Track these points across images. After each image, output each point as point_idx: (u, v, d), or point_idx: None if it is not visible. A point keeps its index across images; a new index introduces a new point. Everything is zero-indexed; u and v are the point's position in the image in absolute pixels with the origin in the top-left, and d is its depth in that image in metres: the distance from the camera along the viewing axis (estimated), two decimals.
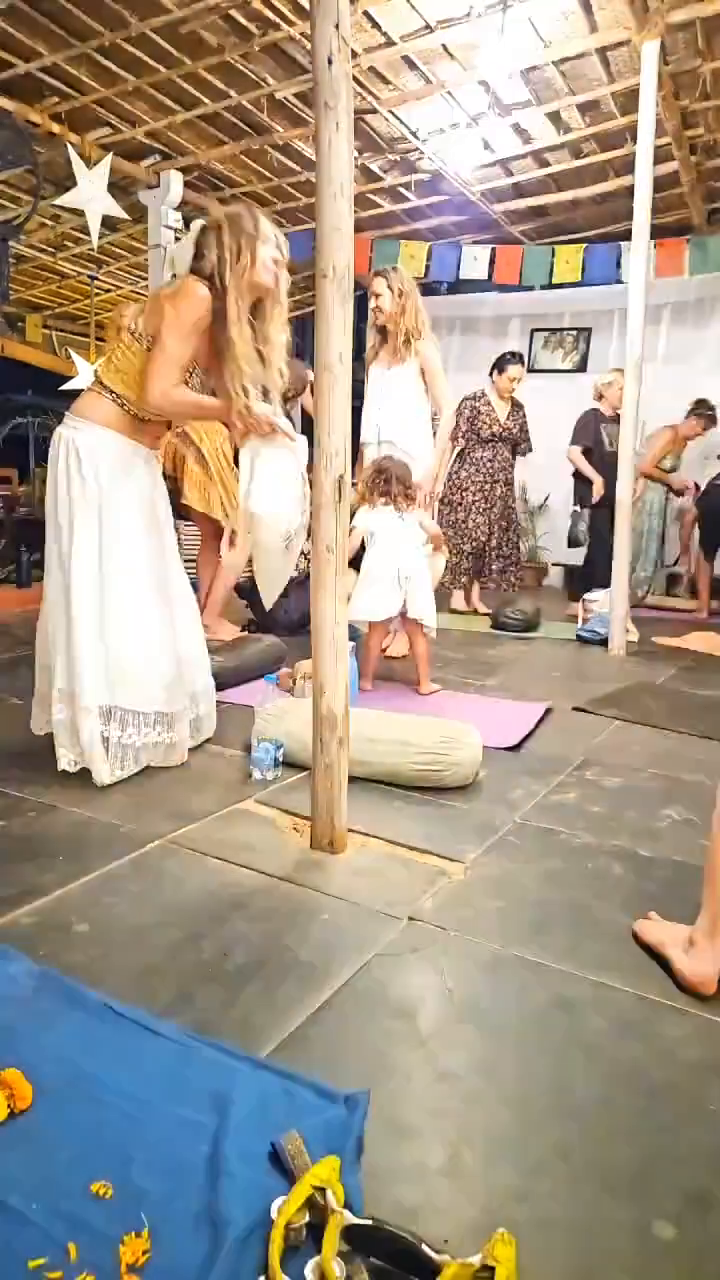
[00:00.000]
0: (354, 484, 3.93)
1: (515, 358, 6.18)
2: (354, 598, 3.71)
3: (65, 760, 2.52)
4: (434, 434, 4.48)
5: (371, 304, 4.33)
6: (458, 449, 6.07)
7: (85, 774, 2.55)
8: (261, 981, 1.59)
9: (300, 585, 4.30)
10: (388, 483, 3.86)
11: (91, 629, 2.49)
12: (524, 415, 6.23)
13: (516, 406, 6.19)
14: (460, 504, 6.16)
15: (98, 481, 2.51)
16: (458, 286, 8.19)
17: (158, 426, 2.67)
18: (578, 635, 5.44)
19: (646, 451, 6.56)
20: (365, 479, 3.97)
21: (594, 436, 6.31)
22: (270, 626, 4.67)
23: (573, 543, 6.54)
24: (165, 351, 2.43)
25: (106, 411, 2.55)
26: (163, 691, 2.61)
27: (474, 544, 6.15)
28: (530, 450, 6.35)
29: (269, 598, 2.84)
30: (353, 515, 3.87)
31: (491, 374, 6.15)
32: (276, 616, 4.69)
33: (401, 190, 7.21)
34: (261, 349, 2.58)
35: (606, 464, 6.05)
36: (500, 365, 6.11)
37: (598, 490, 6.16)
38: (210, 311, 2.47)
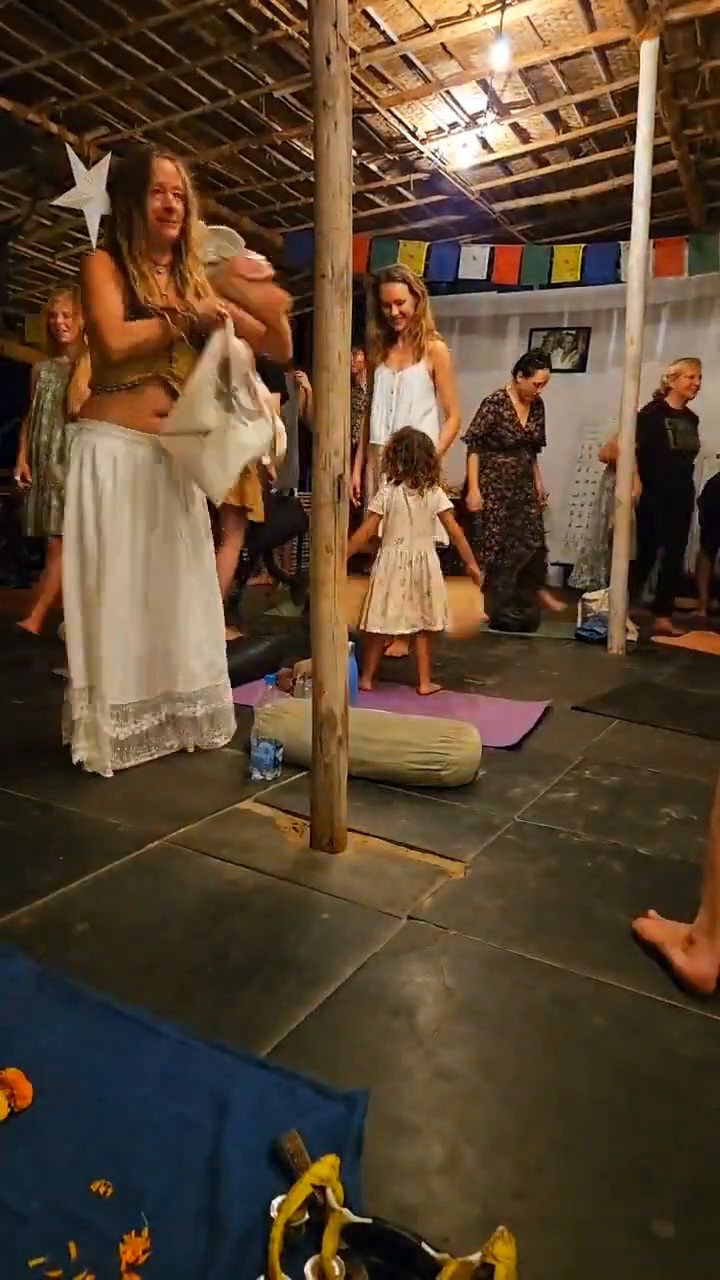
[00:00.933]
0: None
1: (542, 360, 5.93)
2: (372, 609, 3.71)
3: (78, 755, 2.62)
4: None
5: (387, 306, 4.23)
6: (474, 455, 5.84)
7: (85, 774, 2.56)
8: (261, 981, 1.59)
9: (282, 503, 4.53)
10: (410, 452, 3.76)
11: (76, 624, 2.60)
12: (543, 413, 6.01)
13: (536, 405, 5.94)
14: (479, 512, 5.87)
15: (96, 477, 2.56)
16: (456, 286, 8.19)
17: (151, 394, 2.62)
18: (577, 634, 5.44)
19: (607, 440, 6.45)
20: (384, 449, 3.93)
21: (657, 432, 5.79)
22: (253, 539, 4.86)
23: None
24: (92, 312, 2.53)
25: (99, 404, 2.63)
26: (138, 682, 2.69)
27: (493, 554, 5.91)
28: (544, 446, 6.10)
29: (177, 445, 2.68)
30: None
31: (515, 375, 5.83)
32: (262, 535, 4.83)
33: (400, 190, 7.21)
34: (183, 290, 2.64)
35: (670, 461, 5.76)
36: (526, 368, 5.79)
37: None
38: (110, 266, 2.55)
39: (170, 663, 2.75)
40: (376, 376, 4.37)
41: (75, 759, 2.60)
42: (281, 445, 2.99)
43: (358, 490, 4.52)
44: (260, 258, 2.75)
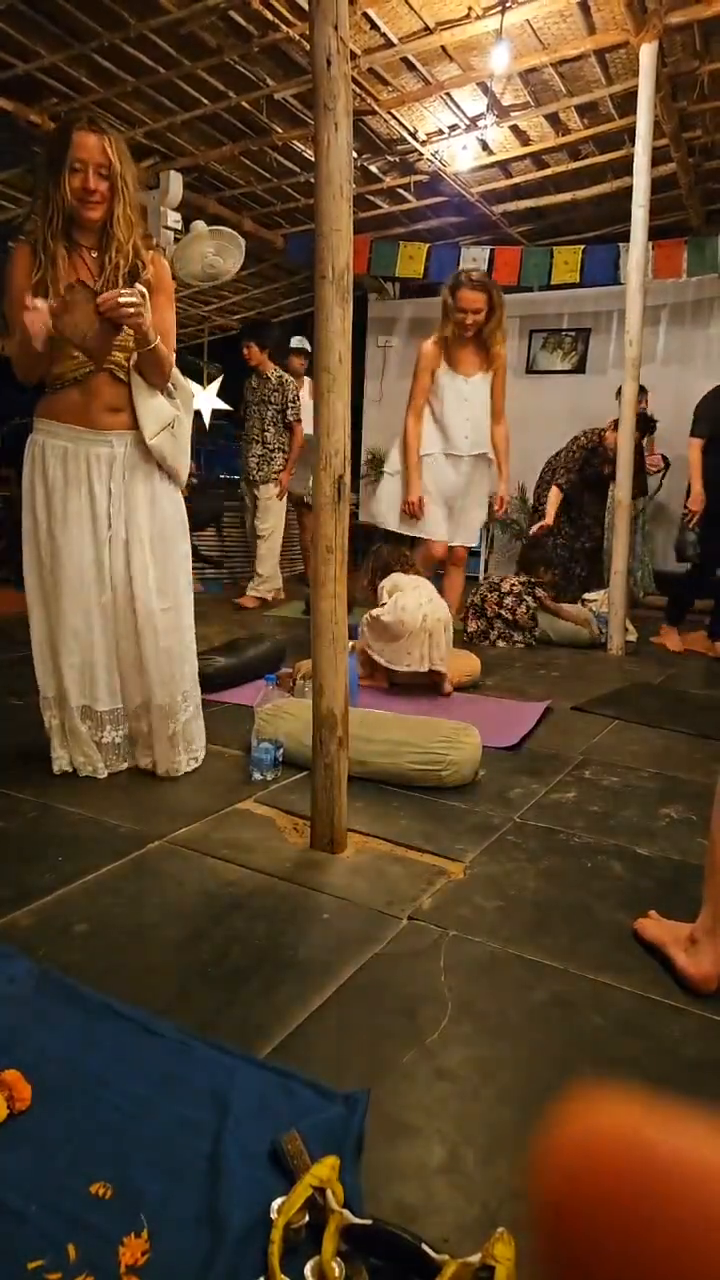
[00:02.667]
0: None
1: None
2: (389, 647, 3.74)
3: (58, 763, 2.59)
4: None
5: (462, 312, 4.17)
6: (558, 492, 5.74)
7: (84, 776, 2.57)
8: (261, 981, 1.59)
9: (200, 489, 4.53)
10: (383, 559, 4.14)
11: (40, 632, 2.53)
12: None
13: None
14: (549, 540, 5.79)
15: (46, 480, 2.46)
16: None
17: (98, 387, 2.43)
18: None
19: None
20: (374, 569, 4.16)
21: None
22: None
23: (681, 555, 5.40)
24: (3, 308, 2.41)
25: (49, 402, 2.48)
26: (108, 689, 2.58)
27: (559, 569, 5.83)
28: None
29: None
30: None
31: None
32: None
33: (401, 191, 7.21)
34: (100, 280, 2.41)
35: None
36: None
37: (695, 502, 5.10)
38: (28, 254, 2.37)
39: (131, 673, 2.58)
40: (443, 382, 4.33)
41: (55, 768, 2.56)
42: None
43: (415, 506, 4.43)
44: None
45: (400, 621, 3.68)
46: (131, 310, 2.23)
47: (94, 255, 2.44)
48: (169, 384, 2.55)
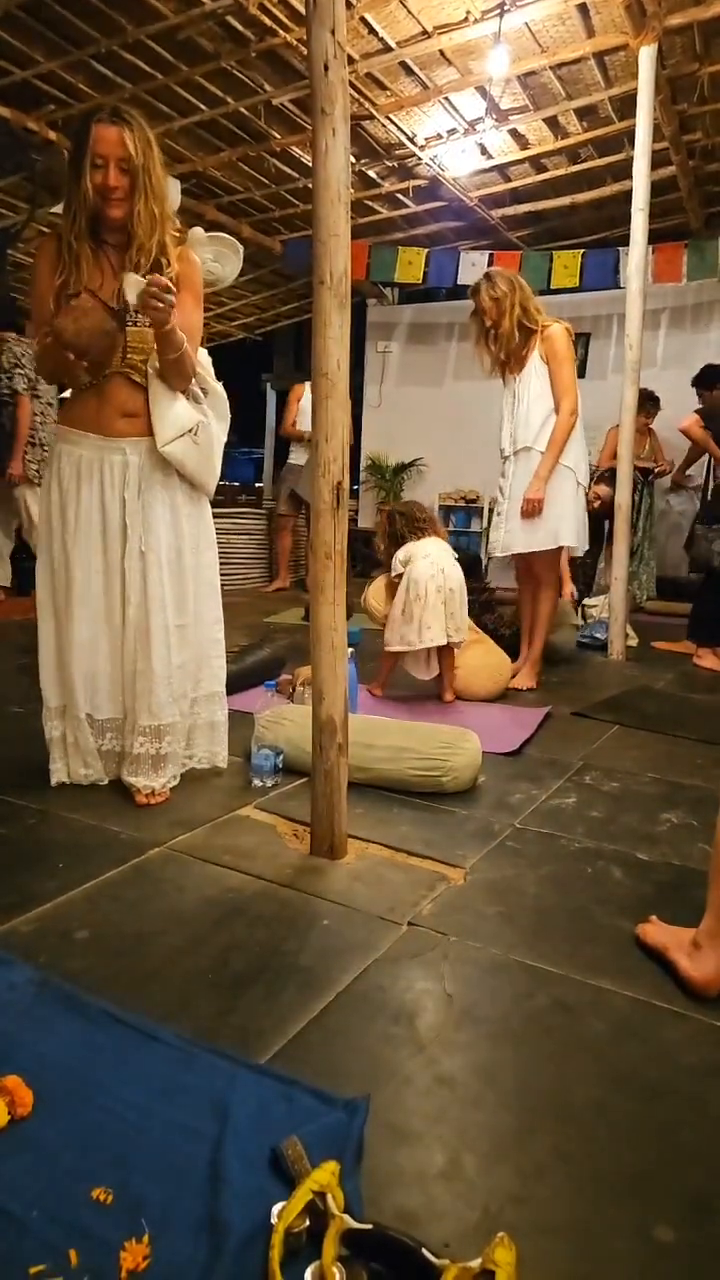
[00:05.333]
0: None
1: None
2: (403, 628, 3.64)
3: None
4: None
5: (481, 322, 4.07)
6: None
7: (85, 782, 2.57)
8: (261, 987, 1.59)
9: None
10: (405, 522, 3.84)
11: (50, 641, 2.50)
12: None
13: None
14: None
15: (61, 488, 2.44)
16: (456, 292, 8.21)
17: (114, 393, 2.39)
18: (577, 641, 5.43)
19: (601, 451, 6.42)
20: (379, 526, 3.95)
21: None
22: None
23: (699, 565, 5.13)
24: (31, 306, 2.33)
25: (68, 407, 2.48)
26: (111, 700, 2.53)
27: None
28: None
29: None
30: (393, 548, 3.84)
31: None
32: None
33: (399, 196, 7.23)
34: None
35: None
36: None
37: None
38: (52, 252, 2.32)
39: (138, 689, 2.46)
40: (505, 389, 4.16)
41: (53, 780, 2.53)
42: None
43: None
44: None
45: (417, 598, 3.59)
46: (161, 306, 2.15)
47: (121, 255, 2.37)
48: (197, 387, 2.50)
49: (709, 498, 5.11)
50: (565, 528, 4.06)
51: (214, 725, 2.69)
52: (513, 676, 4.08)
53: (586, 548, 4.36)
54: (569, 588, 5.31)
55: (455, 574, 3.71)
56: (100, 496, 2.42)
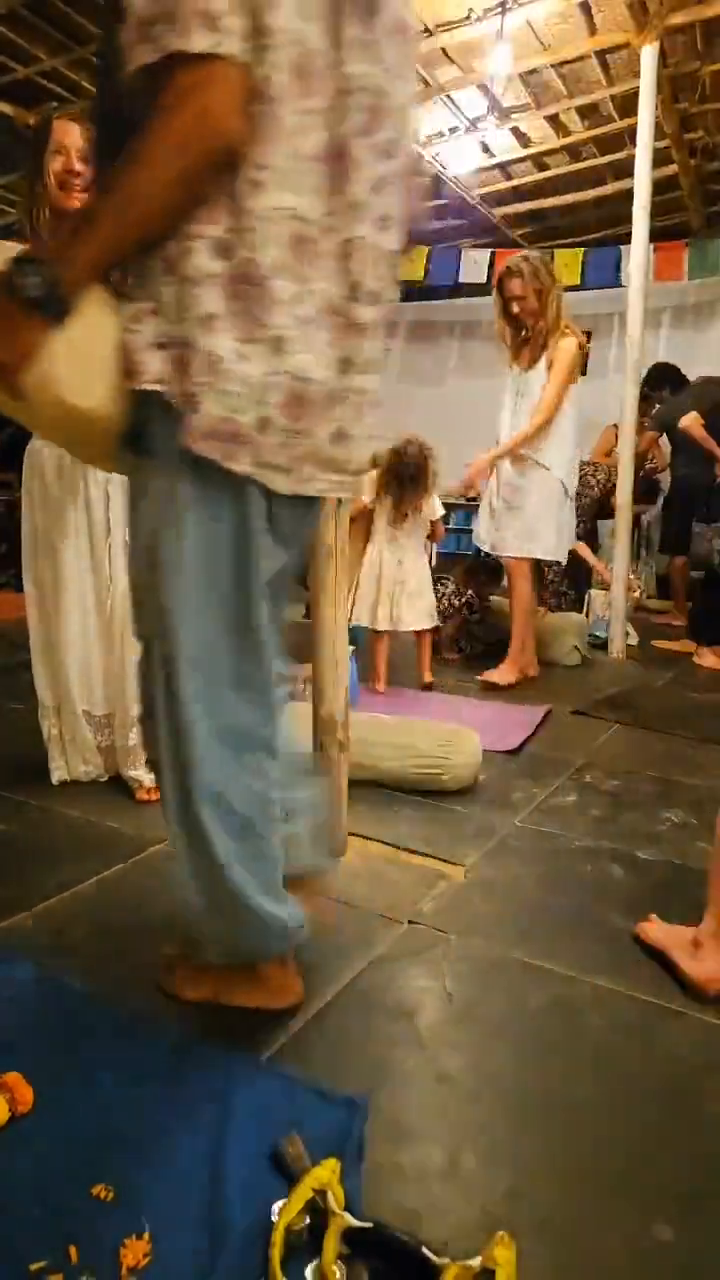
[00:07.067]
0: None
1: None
2: (363, 606, 3.79)
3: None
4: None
5: (508, 303, 3.97)
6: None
7: (86, 779, 2.57)
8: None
9: None
10: (406, 469, 3.81)
11: (39, 639, 2.52)
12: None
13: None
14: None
15: (43, 482, 2.43)
16: (458, 291, 8.20)
17: None
18: (574, 647, 5.40)
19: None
20: (386, 461, 3.88)
21: None
22: None
23: (700, 563, 5.15)
24: None
25: None
26: (105, 696, 2.54)
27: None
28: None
29: None
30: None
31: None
32: None
33: None
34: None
35: None
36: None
37: None
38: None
39: (129, 680, 2.42)
40: (510, 376, 4.12)
41: (54, 779, 2.54)
42: None
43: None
44: None
45: (364, 574, 3.82)
46: None
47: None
48: None
49: (709, 497, 5.12)
50: (540, 538, 4.01)
51: None
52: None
53: (562, 559, 4.30)
54: (606, 575, 5.29)
55: (407, 567, 3.85)
56: (84, 492, 2.44)
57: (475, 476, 4.12)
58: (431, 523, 3.94)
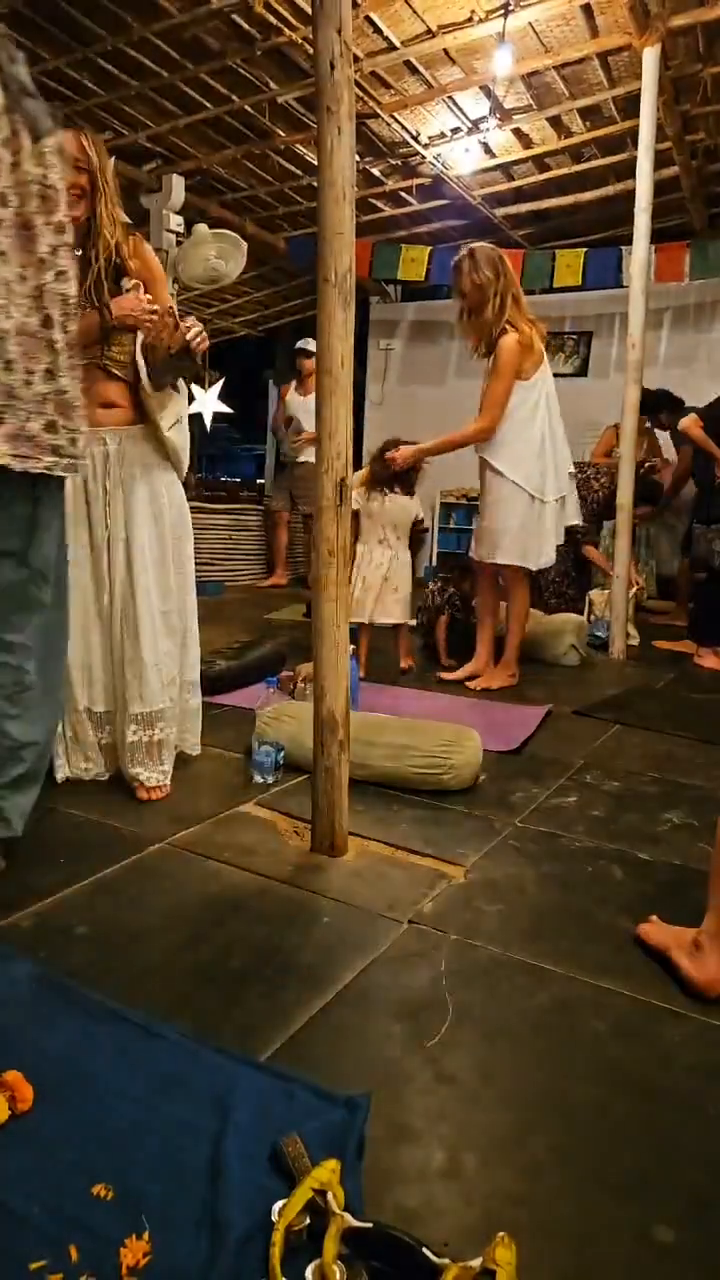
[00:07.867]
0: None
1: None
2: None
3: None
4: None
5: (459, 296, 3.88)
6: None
7: (86, 778, 2.57)
8: (262, 984, 1.59)
9: None
10: (385, 468, 4.13)
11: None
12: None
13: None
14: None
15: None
16: None
17: (93, 386, 2.35)
18: (571, 646, 5.40)
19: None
20: (371, 458, 4.22)
21: None
22: None
23: (701, 564, 5.11)
24: None
25: None
26: (106, 691, 2.55)
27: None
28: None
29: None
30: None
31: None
32: None
33: (403, 195, 7.23)
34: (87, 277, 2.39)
35: None
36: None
37: None
38: None
39: (129, 677, 2.48)
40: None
41: (58, 777, 2.53)
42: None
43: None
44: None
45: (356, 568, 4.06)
46: (150, 322, 2.36)
47: (78, 255, 2.35)
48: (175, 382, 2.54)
49: (709, 497, 5.11)
50: (501, 546, 3.94)
51: (188, 712, 2.72)
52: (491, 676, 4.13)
53: (545, 564, 4.12)
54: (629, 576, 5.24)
55: (394, 564, 4.14)
56: (83, 486, 2.44)
57: (401, 464, 4.12)
58: (413, 523, 4.23)
